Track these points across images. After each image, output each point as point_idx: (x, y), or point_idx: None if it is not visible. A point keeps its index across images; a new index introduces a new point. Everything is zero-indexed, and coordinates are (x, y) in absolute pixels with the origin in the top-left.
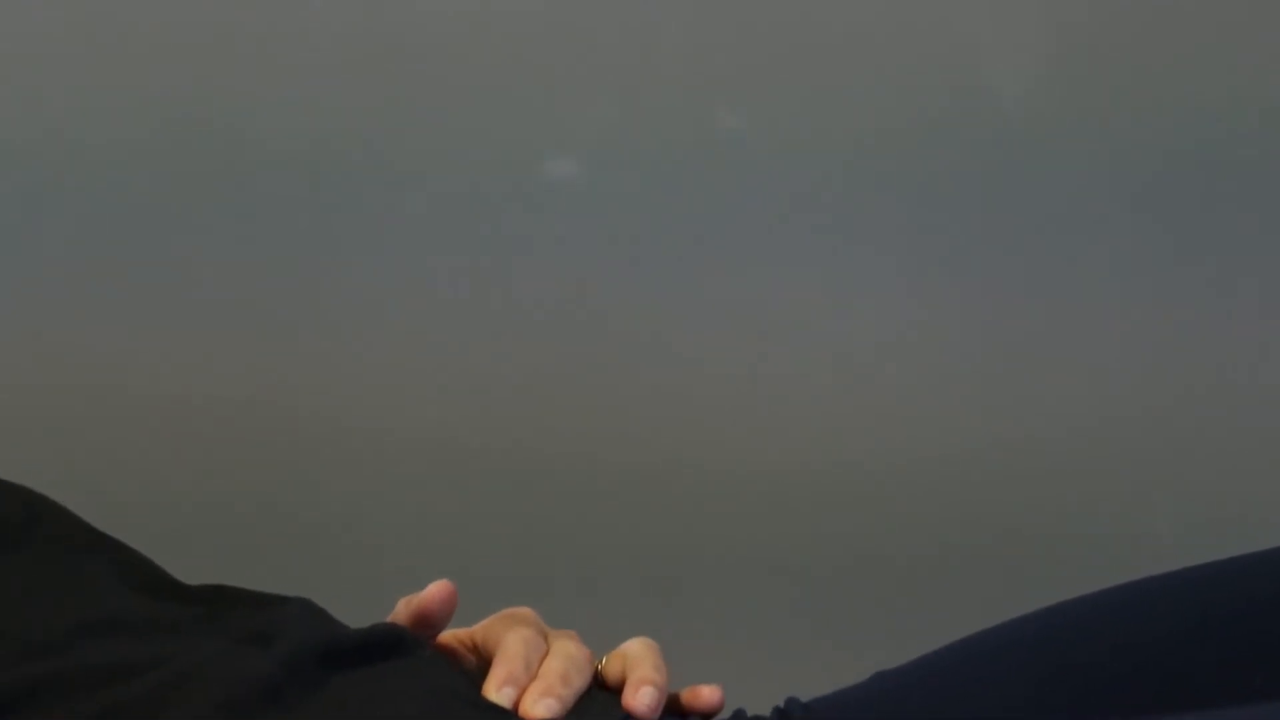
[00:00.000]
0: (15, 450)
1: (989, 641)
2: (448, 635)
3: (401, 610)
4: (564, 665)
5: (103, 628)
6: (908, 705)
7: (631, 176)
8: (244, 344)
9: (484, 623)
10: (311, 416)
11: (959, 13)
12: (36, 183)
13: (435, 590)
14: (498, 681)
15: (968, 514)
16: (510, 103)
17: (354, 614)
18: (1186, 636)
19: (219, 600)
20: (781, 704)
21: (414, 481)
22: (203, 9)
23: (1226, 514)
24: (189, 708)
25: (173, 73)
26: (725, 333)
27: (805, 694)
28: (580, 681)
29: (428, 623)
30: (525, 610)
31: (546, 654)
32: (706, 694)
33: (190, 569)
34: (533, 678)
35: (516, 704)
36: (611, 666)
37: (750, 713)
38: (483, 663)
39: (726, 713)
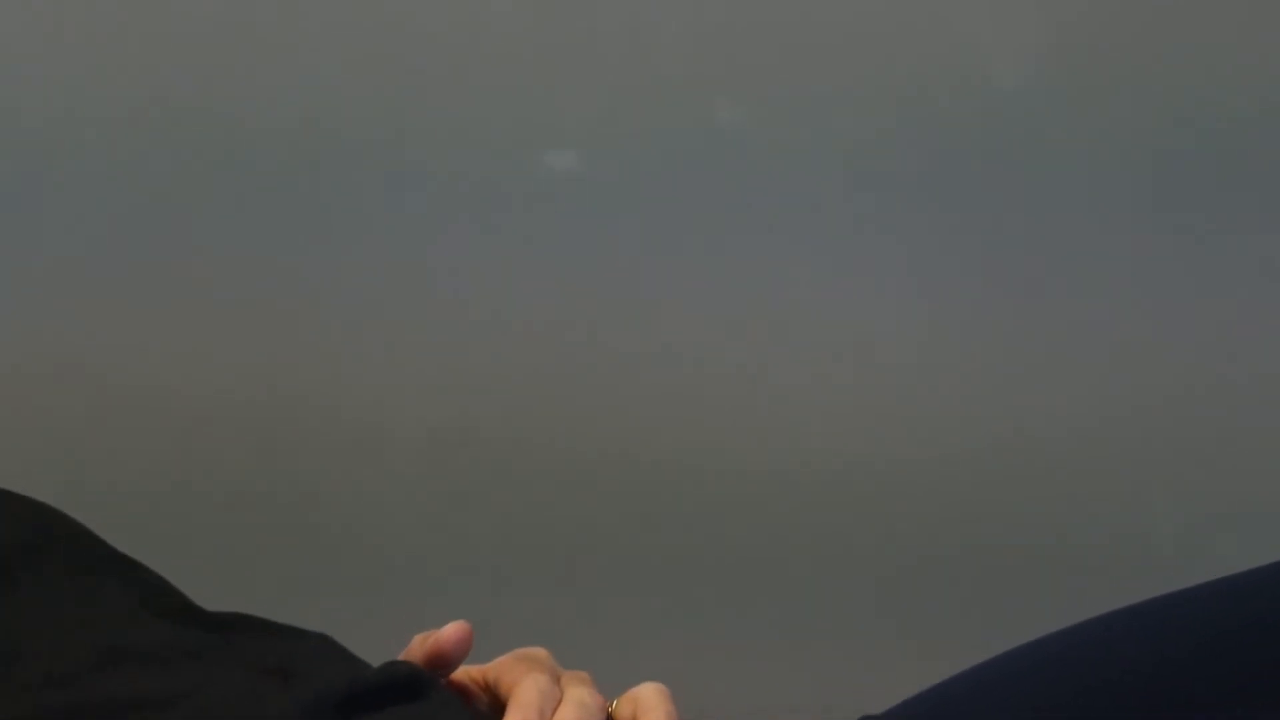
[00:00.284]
0: (10, 442)
1: (993, 671)
2: (460, 673)
3: (416, 647)
4: (578, 715)
5: (123, 657)
6: None
7: (630, 170)
8: (240, 336)
9: (497, 662)
10: (308, 410)
11: (958, 6)
12: (33, 172)
13: (452, 631)
14: None
15: (969, 513)
16: (509, 96)
17: (353, 608)
18: (1193, 659)
19: (239, 628)
20: None
21: (412, 475)
22: (198, 1)
23: (1229, 511)
24: None
25: (169, 63)
26: (725, 327)
27: (801, 695)
28: None
29: (442, 662)
30: (539, 651)
31: (560, 702)
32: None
33: (188, 561)
34: None
35: None
36: (622, 711)
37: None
38: (495, 702)
39: None
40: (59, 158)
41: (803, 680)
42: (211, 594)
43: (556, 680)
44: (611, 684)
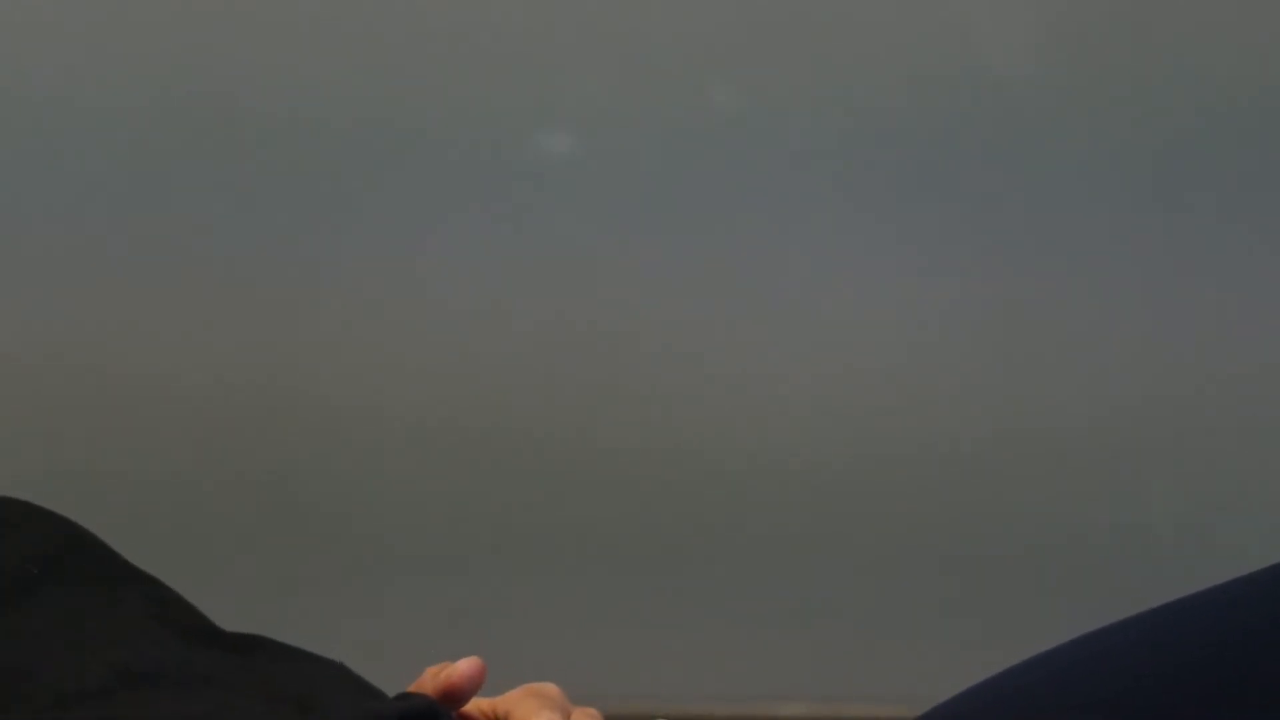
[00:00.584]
0: (5, 431)
1: (1010, 681)
2: (469, 705)
3: (428, 680)
4: None
5: (139, 678)
6: None
7: (626, 155)
8: (236, 324)
9: (507, 696)
10: (305, 396)
11: None
12: (29, 160)
13: (466, 666)
14: None
15: (967, 504)
16: (504, 82)
17: (351, 600)
18: (1205, 667)
19: (256, 651)
20: None
21: (407, 463)
22: None
23: (1229, 502)
24: None
25: (166, 49)
26: (719, 313)
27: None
28: None
29: (455, 696)
30: (550, 687)
31: None
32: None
33: (186, 553)
34: None
35: None
36: None
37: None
38: None
39: None
40: (56, 147)
41: (801, 669)
42: (209, 584)
43: (567, 717)
44: (605, 672)
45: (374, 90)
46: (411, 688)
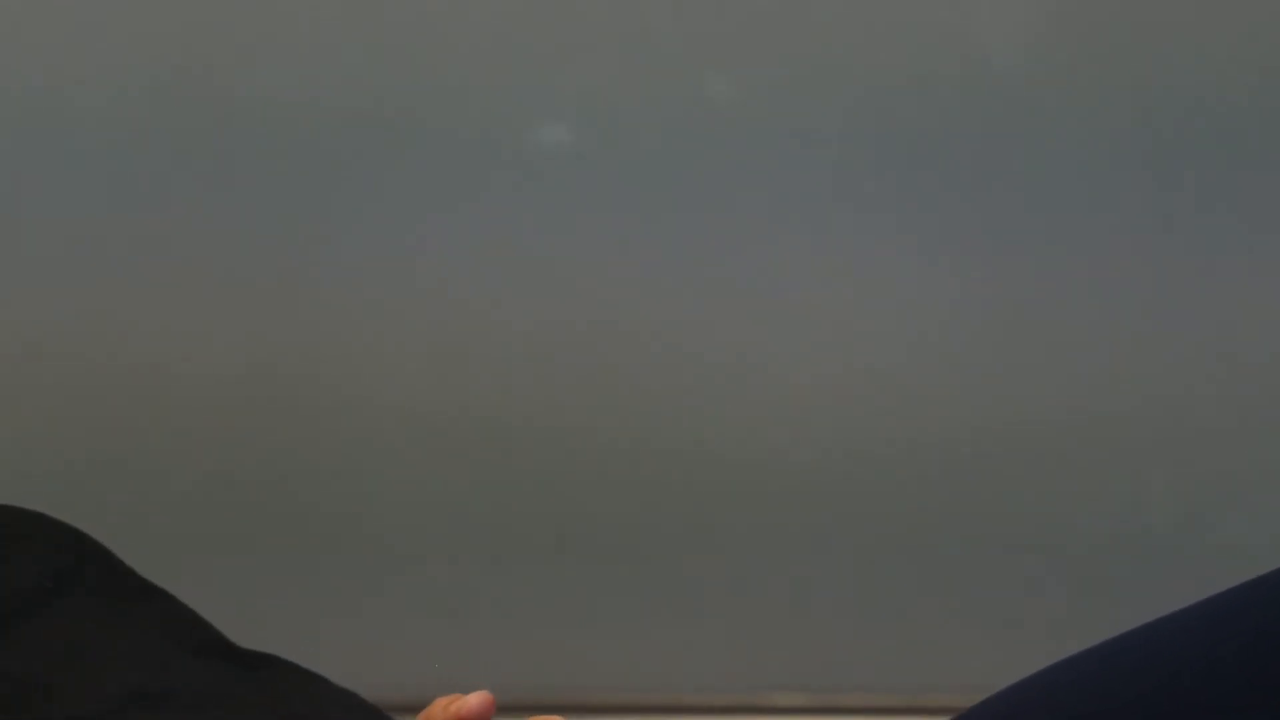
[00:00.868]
0: (3, 427)
1: (1011, 699)
2: None
3: (438, 712)
4: None
5: (153, 698)
6: None
7: (623, 144)
8: (232, 316)
9: None
10: (301, 390)
11: None
12: (23, 155)
13: (477, 701)
14: None
15: (965, 497)
16: (499, 72)
17: (348, 595)
18: (1196, 682)
19: (268, 670)
20: None
21: (403, 455)
22: None
23: (1229, 498)
24: None
25: (163, 35)
26: (715, 303)
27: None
28: None
29: None
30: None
31: None
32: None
33: (184, 547)
34: None
35: None
36: None
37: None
38: None
39: None
40: (49, 142)
41: (798, 659)
42: (207, 577)
43: None
44: (602, 663)
45: (372, 86)
46: (420, 718)
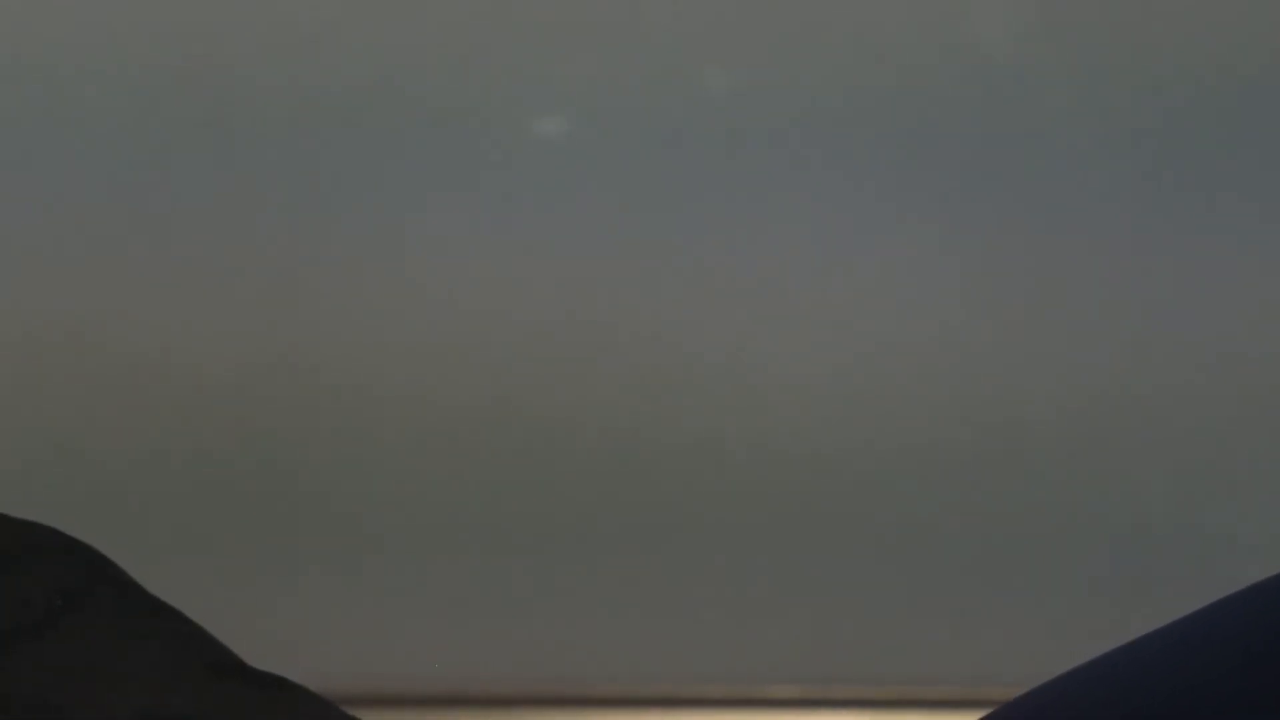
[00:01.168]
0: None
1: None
2: None
3: None
4: None
5: None
6: None
7: (620, 136)
8: (229, 308)
9: None
10: (296, 383)
11: None
12: (23, 141)
13: None
14: None
15: (961, 491)
16: (496, 63)
17: (345, 585)
18: (1221, 684)
19: (281, 693)
20: None
21: (400, 448)
22: None
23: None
24: None
25: (162, 32)
26: (712, 297)
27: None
28: None
29: None
30: None
31: None
32: None
33: (181, 540)
34: None
35: None
36: None
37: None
38: None
39: None
40: (44, 134)
41: (793, 651)
42: (201, 569)
43: None
44: (598, 653)
45: (367, 77)
46: None
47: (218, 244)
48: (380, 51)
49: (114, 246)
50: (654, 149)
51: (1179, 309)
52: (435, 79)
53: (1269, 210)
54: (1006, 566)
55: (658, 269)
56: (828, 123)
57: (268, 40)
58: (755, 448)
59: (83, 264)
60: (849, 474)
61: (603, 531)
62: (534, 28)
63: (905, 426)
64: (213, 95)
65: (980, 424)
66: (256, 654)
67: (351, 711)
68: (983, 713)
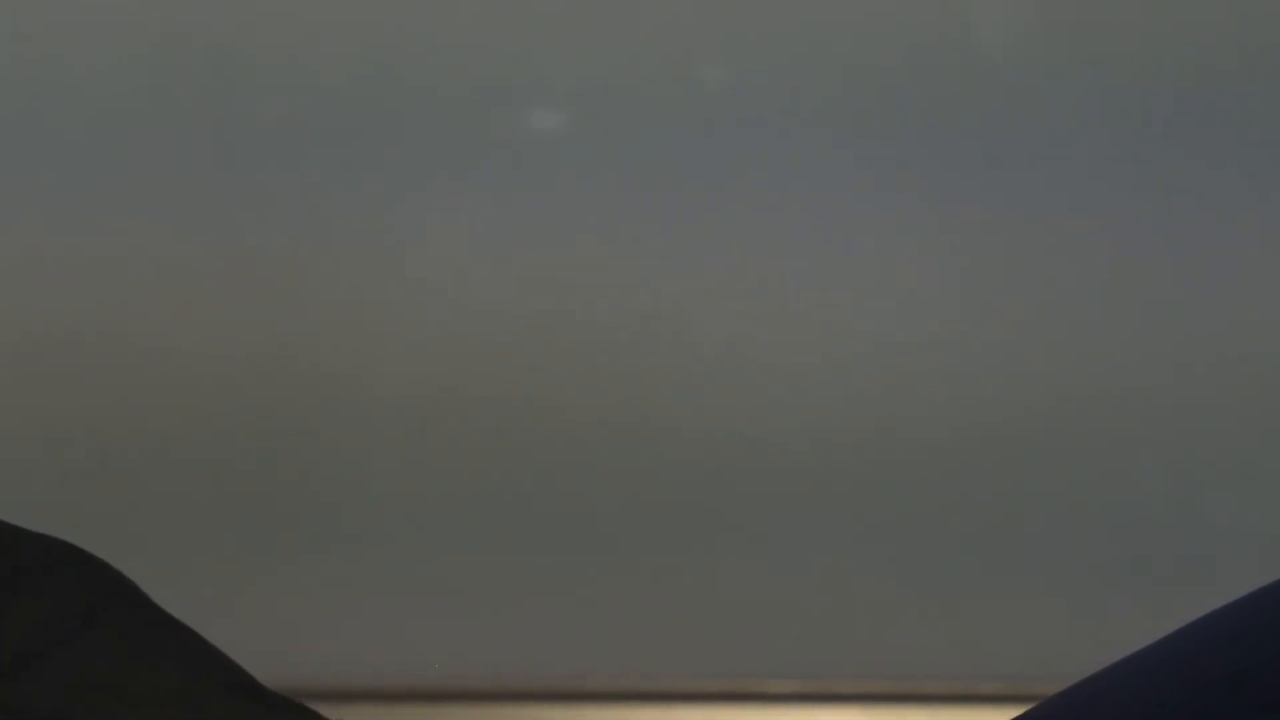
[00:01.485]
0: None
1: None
2: None
3: None
4: None
5: None
6: None
7: (619, 132)
8: (225, 301)
9: None
10: (292, 377)
11: None
12: (19, 135)
13: None
14: None
15: (960, 486)
16: (492, 57)
17: (344, 583)
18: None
19: (292, 713)
20: None
21: (397, 442)
22: None
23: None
24: None
25: (161, 29)
26: (709, 291)
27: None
28: None
29: None
30: None
31: None
32: None
33: (176, 536)
34: None
35: None
36: None
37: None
38: None
39: None
40: (39, 128)
41: (791, 646)
42: (199, 566)
43: None
44: (596, 647)
45: (364, 72)
46: None
47: (216, 243)
48: (381, 49)
49: (113, 245)
50: (654, 147)
51: (1179, 309)
52: (434, 76)
53: (1269, 209)
54: (1005, 562)
55: (657, 265)
56: (827, 122)
57: (268, 38)
58: (755, 444)
59: (79, 262)
60: (848, 469)
61: (599, 526)
62: (533, 24)
63: (907, 421)
64: (211, 94)
65: (980, 420)
66: (257, 653)
67: (350, 709)
68: (981, 709)
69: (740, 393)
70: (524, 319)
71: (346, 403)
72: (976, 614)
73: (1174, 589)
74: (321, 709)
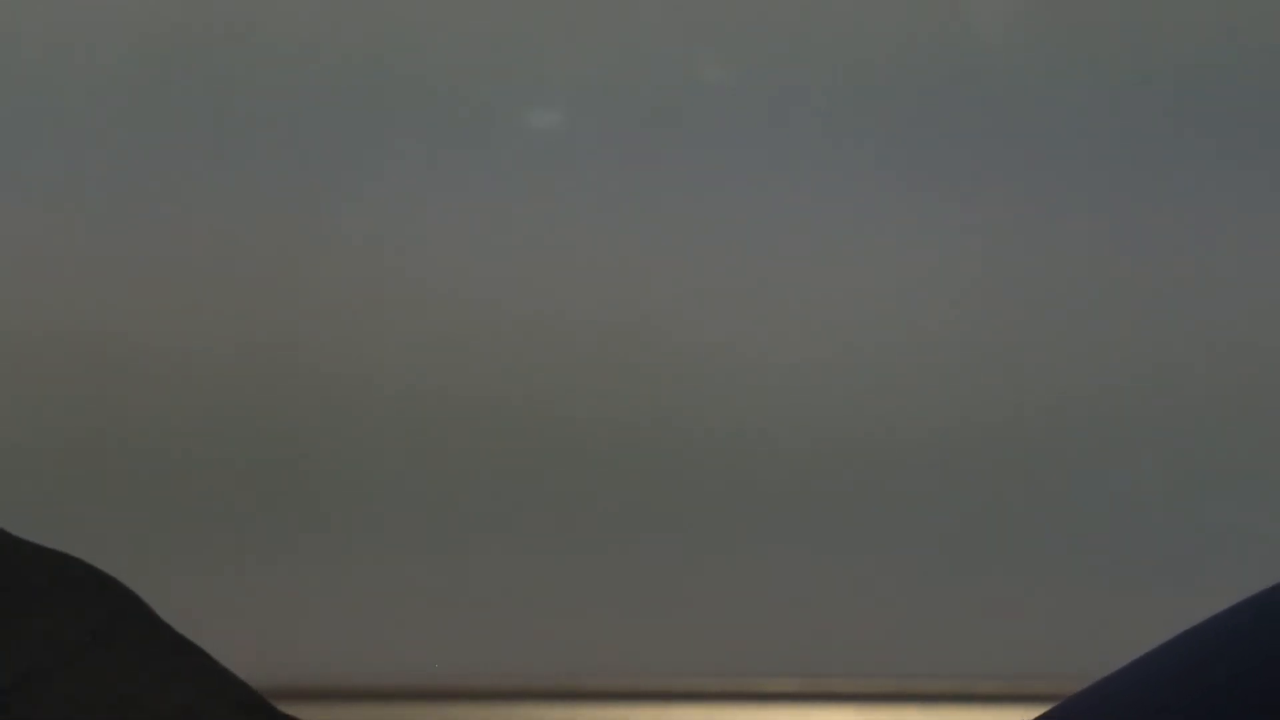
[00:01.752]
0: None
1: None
2: None
3: None
4: None
5: None
6: None
7: (615, 125)
8: (224, 299)
9: None
10: (290, 376)
11: None
12: (17, 131)
13: None
14: None
15: (960, 481)
16: (489, 53)
17: (343, 582)
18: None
19: None
20: None
21: (396, 441)
22: None
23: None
24: None
25: (160, 27)
26: (708, 288)
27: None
28: None
29: None
30: None
31: None
32: None
33: (174, 534)
34: None
35: None
36: None
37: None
38: None
39: None
40: (45, 120)
41: (790, 644)
42: (198, 564)
43: None
44: (594, 645)
45: (362, 69)
46: None
47: (215, 240)
48: (380, 46)
49: (109, 244)
50: (653, 145)
51: (1179, 308)
52: (434, 76)
53: (1270, 209)
54: (1005, 562)
55: (656, 263)
56: (827, 120)
57: (267, 36)
58: (754, 443)
59: (79, 260)
60: (848, 467)
61: (598, 524)
62: (532, 20)
63: (906, 420)
64: (209, 91)
65: (979, 419)
66: (256, 652)
67: (350, 708)
68: (981, 709)
69: (740, 392)
70: (524, 319)
71: (347, 403)
72: (976, 614)
73: (1174, 589)
74: (321, 709)
